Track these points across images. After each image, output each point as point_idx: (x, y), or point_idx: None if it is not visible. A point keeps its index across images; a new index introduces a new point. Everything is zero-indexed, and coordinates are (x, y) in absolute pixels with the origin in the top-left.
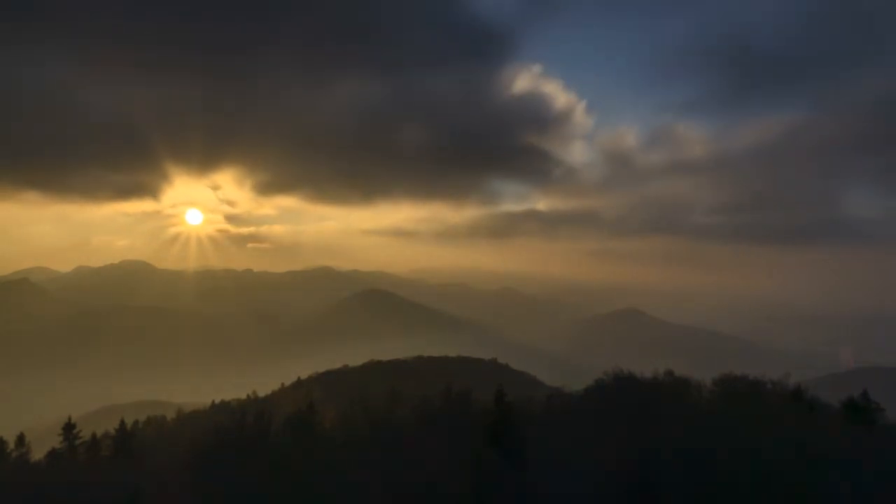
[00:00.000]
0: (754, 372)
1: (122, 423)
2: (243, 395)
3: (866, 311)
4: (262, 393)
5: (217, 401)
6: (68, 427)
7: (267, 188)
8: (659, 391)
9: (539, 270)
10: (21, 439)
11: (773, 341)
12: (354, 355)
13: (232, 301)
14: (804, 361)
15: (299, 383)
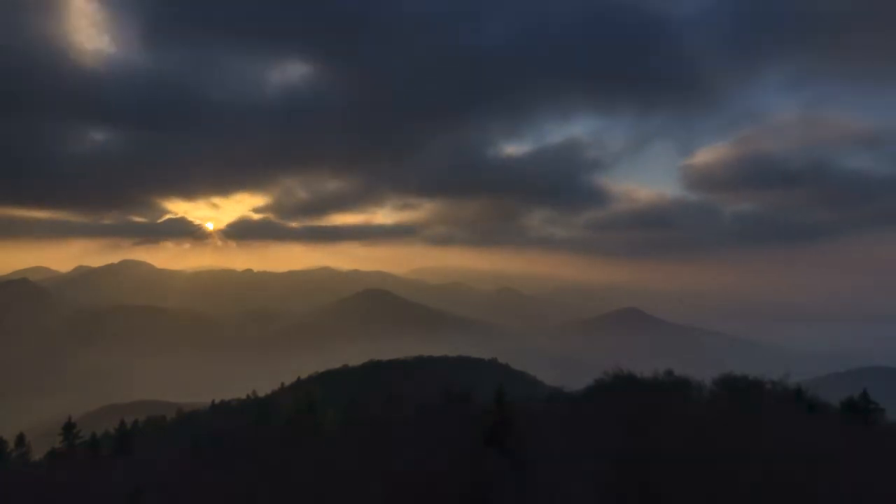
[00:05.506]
0: (754, 372)
1: (122, 423)
2: (243, 395)
3: (866, 310)
4: (262, 393)
5: (217, 401)
6: (68, 427)
7: None
8: (659, 391)
9: (539, 270)
10: (21, 439)
11: (773, 341)
12: (354, 355)
13: (232, 301)
14: (804, 361)
15: (299, 383)
